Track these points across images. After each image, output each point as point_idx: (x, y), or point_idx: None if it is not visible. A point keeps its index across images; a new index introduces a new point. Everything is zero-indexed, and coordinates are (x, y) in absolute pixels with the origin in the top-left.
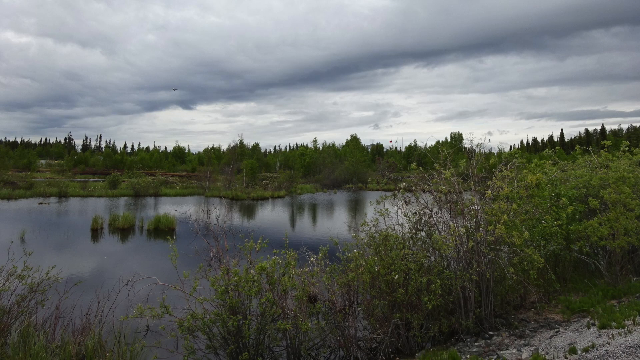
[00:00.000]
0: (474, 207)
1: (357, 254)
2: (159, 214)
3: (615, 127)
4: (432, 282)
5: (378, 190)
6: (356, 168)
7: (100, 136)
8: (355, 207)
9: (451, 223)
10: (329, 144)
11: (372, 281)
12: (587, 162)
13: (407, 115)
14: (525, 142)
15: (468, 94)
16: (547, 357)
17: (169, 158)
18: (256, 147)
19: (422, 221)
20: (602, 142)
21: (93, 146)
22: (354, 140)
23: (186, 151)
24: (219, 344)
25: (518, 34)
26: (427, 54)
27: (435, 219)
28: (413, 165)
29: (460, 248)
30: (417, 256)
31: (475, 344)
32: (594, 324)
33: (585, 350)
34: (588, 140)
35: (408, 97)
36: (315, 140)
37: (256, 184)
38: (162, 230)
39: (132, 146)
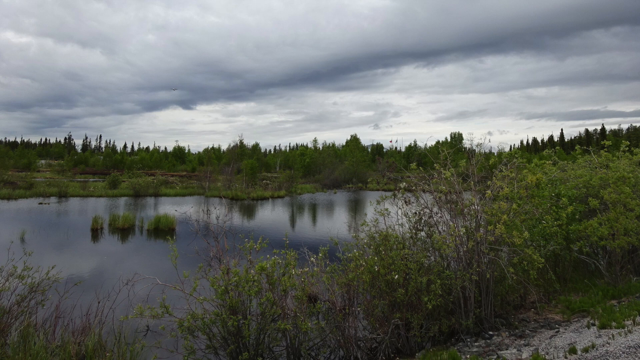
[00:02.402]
0: (474, 207)
1: (357, 254)
2: (159, 214)
3: (615, 127)
4: (432, 282)
5: (378, 190)
6: (356, 168)
7: (100, 136)
8: (355, 207)
9: (451, 223)
10: (329, 144)
11: (372, 281)
12: (587, 162)
13: (407, 115)
14: (525, 142)
15: (468, 94)
16: (547, 357)
17: (169, 158)
18: (256, 147)
19: (422, 221)
20: (602, 142)
21: (93, 146)
22: (354, 140)
23: (186, 151)
24: (219, 344)
25: (518, 34)
26: (427, 54)
27: (435, 219)
28: (413, 165)
29: (460, 248)
30: (417, 256)
31: (475, 344)
32: (594, 324)
33: (585, 350)
34: (588, 140)
35: (408, 97)
36: (315, 140)
37: (256, 184)
38: (162, 230)
39: (132, 146)
